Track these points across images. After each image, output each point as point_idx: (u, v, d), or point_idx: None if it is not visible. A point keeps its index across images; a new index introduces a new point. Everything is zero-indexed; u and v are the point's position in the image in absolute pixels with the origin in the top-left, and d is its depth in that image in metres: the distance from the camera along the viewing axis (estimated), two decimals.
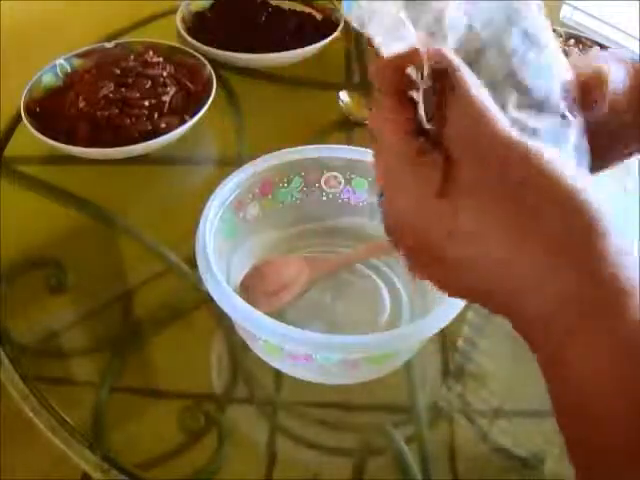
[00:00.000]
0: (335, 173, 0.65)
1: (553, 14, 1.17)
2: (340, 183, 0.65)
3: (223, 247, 0.59)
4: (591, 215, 0.26)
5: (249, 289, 0.60)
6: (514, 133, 0.27)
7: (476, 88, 0.28)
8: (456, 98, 0.28)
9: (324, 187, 0.65)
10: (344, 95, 0.86)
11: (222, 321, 0.62)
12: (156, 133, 0.76)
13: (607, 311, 0.25)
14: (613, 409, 0.25)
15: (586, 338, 0.26)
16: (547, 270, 0.26)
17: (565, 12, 1.16)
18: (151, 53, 0.86)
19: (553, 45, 0.34)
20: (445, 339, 0.62)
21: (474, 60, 0.32)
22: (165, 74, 0.83)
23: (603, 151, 0.34)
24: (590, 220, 0.26)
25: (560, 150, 0.31)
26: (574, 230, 0.26)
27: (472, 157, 0.27)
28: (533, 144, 0.27)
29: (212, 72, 0.85)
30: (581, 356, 0.26)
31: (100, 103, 0.78)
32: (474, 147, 0.27)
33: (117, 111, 0.77)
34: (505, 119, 0.28)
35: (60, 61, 0.85)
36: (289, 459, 0.55)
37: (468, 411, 0.58)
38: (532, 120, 0.32)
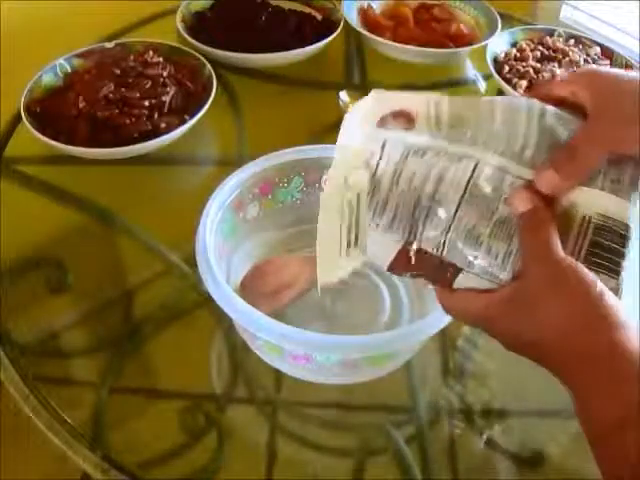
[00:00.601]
0: None
1: (553, 14, 1.17)
2: None
3: (223, 247, 0.59)
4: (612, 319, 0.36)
5: (249, 289, 0.60)
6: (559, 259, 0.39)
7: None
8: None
9: (324, 187, 0.65)
10: (344, 95, 0.86)
11: (222, 321, 0.62)
12: (156, 133, 0.76)
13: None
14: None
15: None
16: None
17: (565, 12, 1.16)
18: (151, 53, 0.87)
19: None
20: (445, 339, 0.62)
21: None
22: (165, 74, 0.83)
23: None
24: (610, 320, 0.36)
25: None
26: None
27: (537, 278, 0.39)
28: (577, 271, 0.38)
29: (212, 72, 0.85)
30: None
31: (100, 103, 0.78)
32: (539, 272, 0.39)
33: (117, 111, 0.77)
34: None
35: (60, 61, 0.85)
36: (289, 459, 0.55)
37: (468, 411, 0.58)
38: None
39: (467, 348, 0.63)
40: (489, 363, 0.62)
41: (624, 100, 0.42)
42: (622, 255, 0.40)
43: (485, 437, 0.57)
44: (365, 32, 0.95)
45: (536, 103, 0.43)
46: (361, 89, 0.96)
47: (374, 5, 1.03)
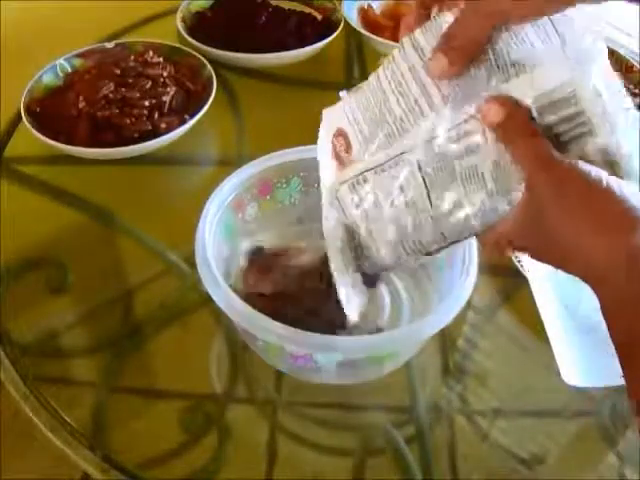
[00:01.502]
0: None
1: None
2: None
3: (223, 247, 0.59)
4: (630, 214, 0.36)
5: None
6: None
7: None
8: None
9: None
10: (344, 95, 0.86)
11: (222, 321, 0.62)
12: (156, 133, 0.76)
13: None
14: None
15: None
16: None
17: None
18: (151, 53, 0.87)
19: None
20: (445, 339, 0.62)
21: None
22: (165, 74, 0.83)
23: None
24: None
25: None
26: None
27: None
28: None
29: (212, 72, 0.85)
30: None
31: (100, 103, 0.78)
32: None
33: (117, 111, 0.77)
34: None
35: (60, 61, 0.85)
36: (289, 459, 0.55)
37: (468, 411, 0.58)
38: None
39: (467, 348, 0.63)
40: (489, 363, 0.62)
41: None
42: (581, 113, 0.38)
43: (485, 437, 0.57)
44: (365, 32, 0.95)
45: (410, 50, 0.42)
46: None
47: (374, 5, 1.03)
